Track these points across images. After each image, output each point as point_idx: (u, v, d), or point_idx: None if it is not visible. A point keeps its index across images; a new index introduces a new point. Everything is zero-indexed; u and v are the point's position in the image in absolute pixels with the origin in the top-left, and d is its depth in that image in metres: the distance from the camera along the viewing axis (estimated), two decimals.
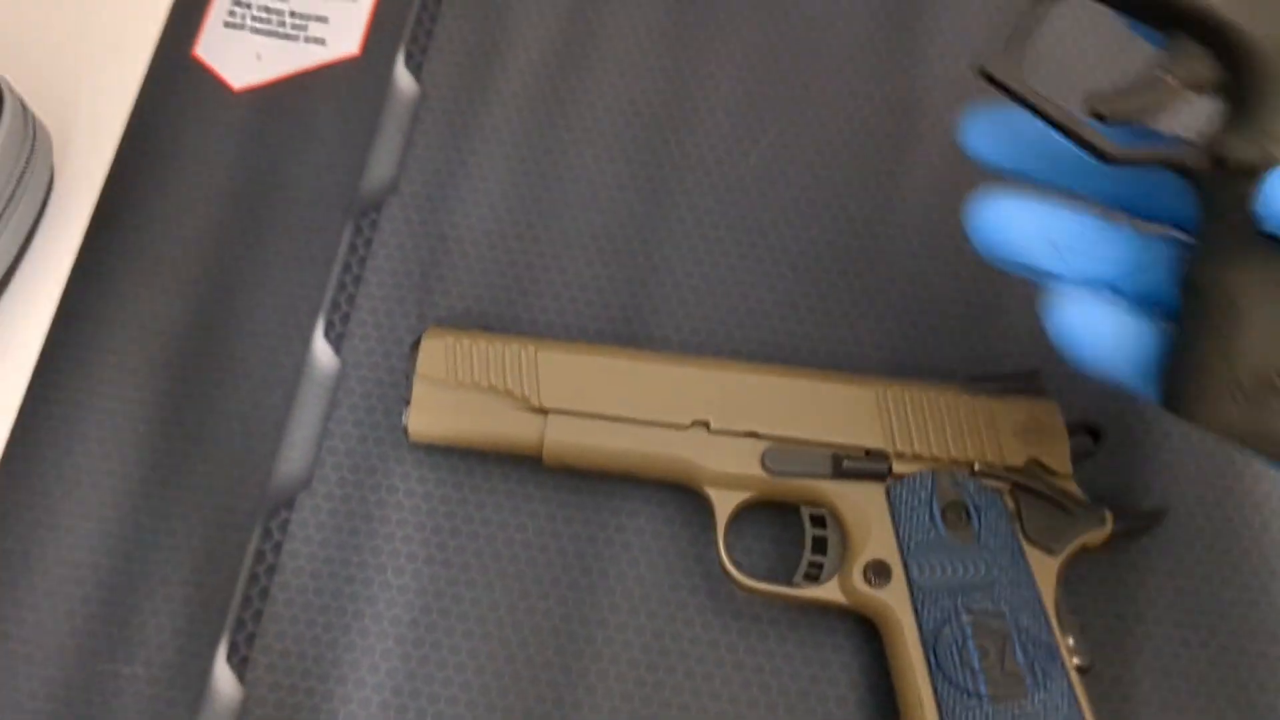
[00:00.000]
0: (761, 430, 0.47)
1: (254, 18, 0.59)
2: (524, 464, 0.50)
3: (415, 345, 0.49)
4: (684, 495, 0.50)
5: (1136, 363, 0.37)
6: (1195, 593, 0.48)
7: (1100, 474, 0.49)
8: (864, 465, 0.46)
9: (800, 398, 0.48)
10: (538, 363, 0.48)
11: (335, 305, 0.54)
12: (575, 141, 0.56)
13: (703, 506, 0.50)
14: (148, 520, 0.50)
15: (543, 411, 0.48)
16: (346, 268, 0.54)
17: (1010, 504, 0.45)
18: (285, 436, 0.52)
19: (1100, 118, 0.34)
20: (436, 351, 0.49)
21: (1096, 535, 0.45)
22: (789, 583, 0.47)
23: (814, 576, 0.47)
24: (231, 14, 0.59)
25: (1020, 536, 0.45)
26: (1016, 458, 0.46)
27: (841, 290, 0.53)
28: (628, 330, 0.53)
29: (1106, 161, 0.35)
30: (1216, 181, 0.35)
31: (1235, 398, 0.34)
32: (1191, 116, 0.37)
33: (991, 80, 0.35)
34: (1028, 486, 0.46)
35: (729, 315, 0.53)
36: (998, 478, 0.46)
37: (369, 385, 0.52)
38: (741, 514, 0.49)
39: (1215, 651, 0.47)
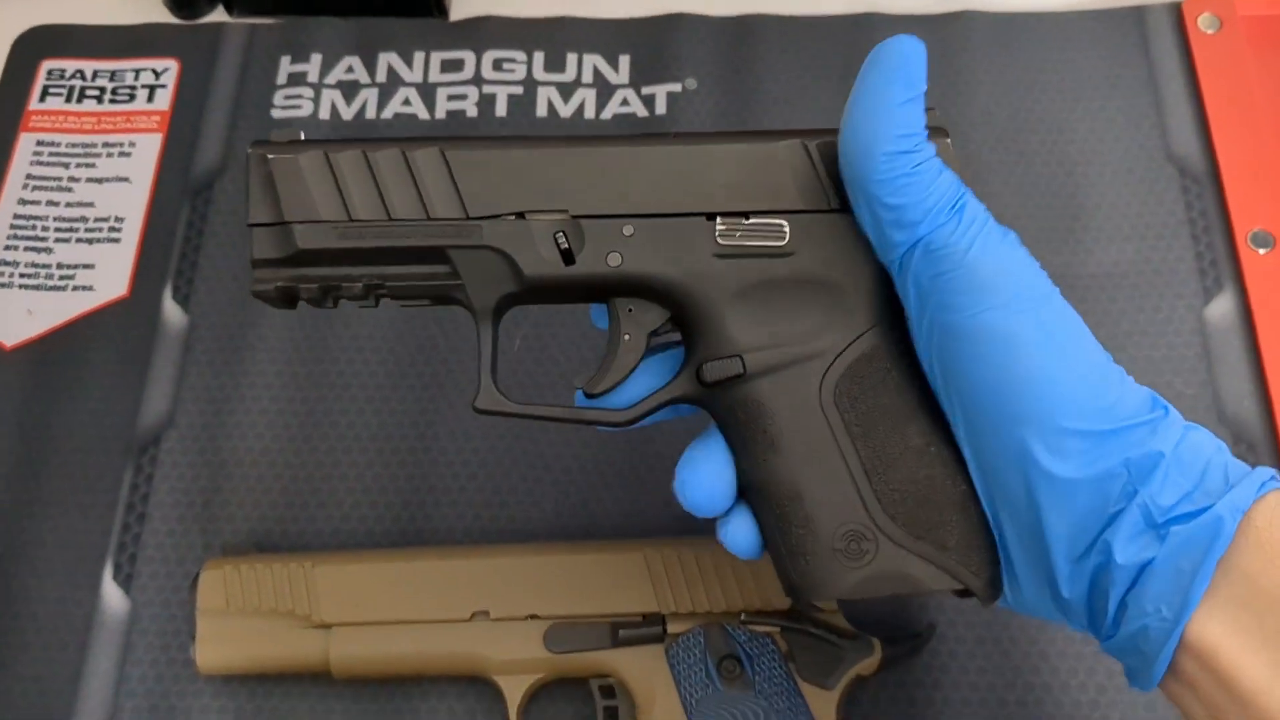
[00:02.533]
0: (540, 611, 0.48)
1: (21, 274, 0.60)
2: (320, 679, 0.51)
3: (195, 580, 0.49)
4: (481, 684, 0.50)
5: None
6: (980, 702, 0.50)
7: (872, 602, 0.51)
8: (640, 631, 0.47)
9: (575, 573, 0.49)
10: (315, 579, 0.49)
11: (122, 547, 0.54)
12: (345, 348, 0.58)
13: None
14: None
15: (325, 626, 0.48)
16: (130, 508, 0.55)
17: (782, 646, 0.47)
18: (81, 688, 0.51)
19: (595, 396, 0.39)
20: (215, 583, 0.49)
21: (869, 663, 0.47)
22: None
23: None
24: None
25: (794, 676, 0.46)
26: (783, 600, 0.47)
27: (613, 452, 0.55)
28: (413, 526, 0.54)
29: (621, 428, 0.40)
30: (713, 398, 0.39)
31: (847, 559, 0.37)
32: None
33: (488, 413, 0.40)
34: (795, 627, 0.47)
35: (510, 496, 0.55)
36: (766, 623, 0.47)
37: (162, 622, 0.53)
38: (540, 692, 0.50)
39: None
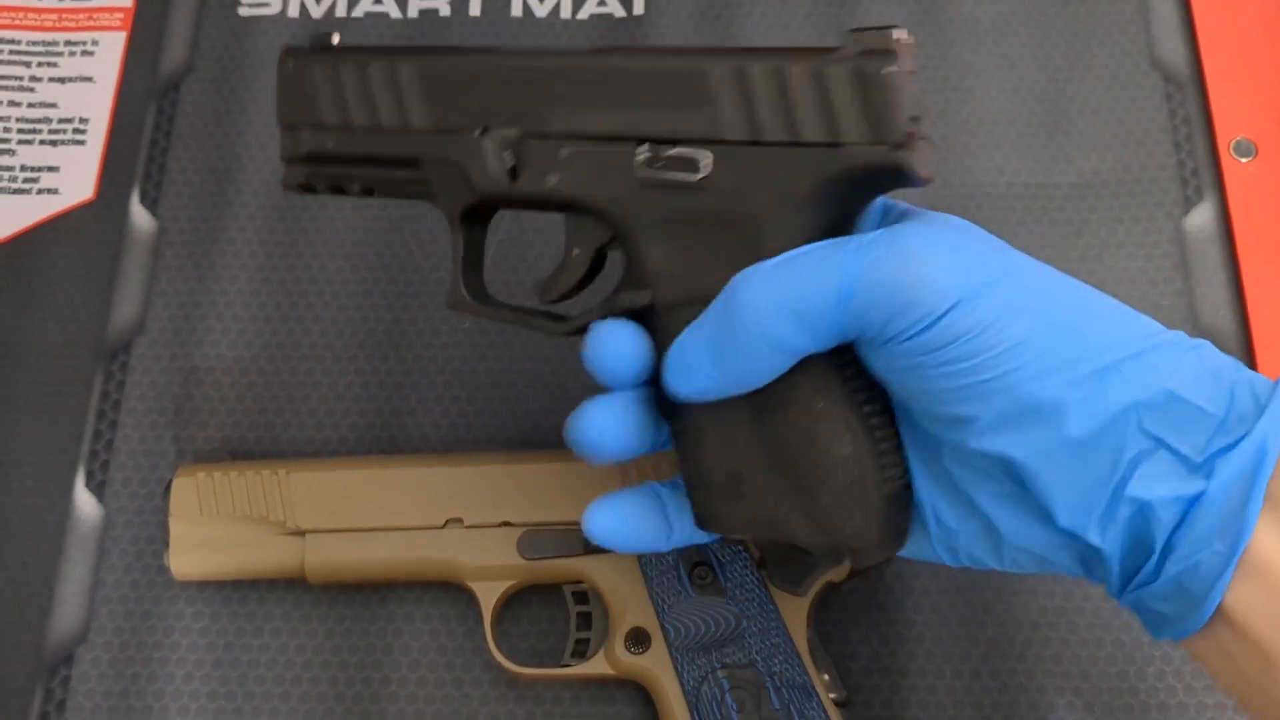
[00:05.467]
0: (513, 519, 0.48)
1: None
2: (295, 586, 0.51)
3: (168, 488, 0.49)
4: (455, 590, 0.51)
5: None
6: (949, 607, 0.50)
7: None
8: None
9: (546, 481, 0.49)
10: (289, 485, 0.49)
11: (94, 454, 0.54)
12: (317, 255, 0.57)
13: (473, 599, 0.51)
14: None
15: (300, 533, 0.49)
16: (101, 414, 0.54)
17: (754, 553, 0.47)
18: (56, 593, 0.52)
19: (545, 304, 0.41)
20: (188, 490, 0.49)
21: (840, 570, 0.47)
22: (559, 663, 0.48)
23: (582, 652, 0.48)
24: None
25: (766, 583, 0.47)
26: None
27: None
28: (387, 435, 0.54)
29: (556, 335, 0.41)
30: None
31: (725, 497, 0.38)
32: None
33: (459, 308, 0.42)
34: None
35: (485, 405, 0.54)
36: None
37: (136, 529, 0.53)
38: (513, 599, 0.50)
39: (976, 661, 0.49)
